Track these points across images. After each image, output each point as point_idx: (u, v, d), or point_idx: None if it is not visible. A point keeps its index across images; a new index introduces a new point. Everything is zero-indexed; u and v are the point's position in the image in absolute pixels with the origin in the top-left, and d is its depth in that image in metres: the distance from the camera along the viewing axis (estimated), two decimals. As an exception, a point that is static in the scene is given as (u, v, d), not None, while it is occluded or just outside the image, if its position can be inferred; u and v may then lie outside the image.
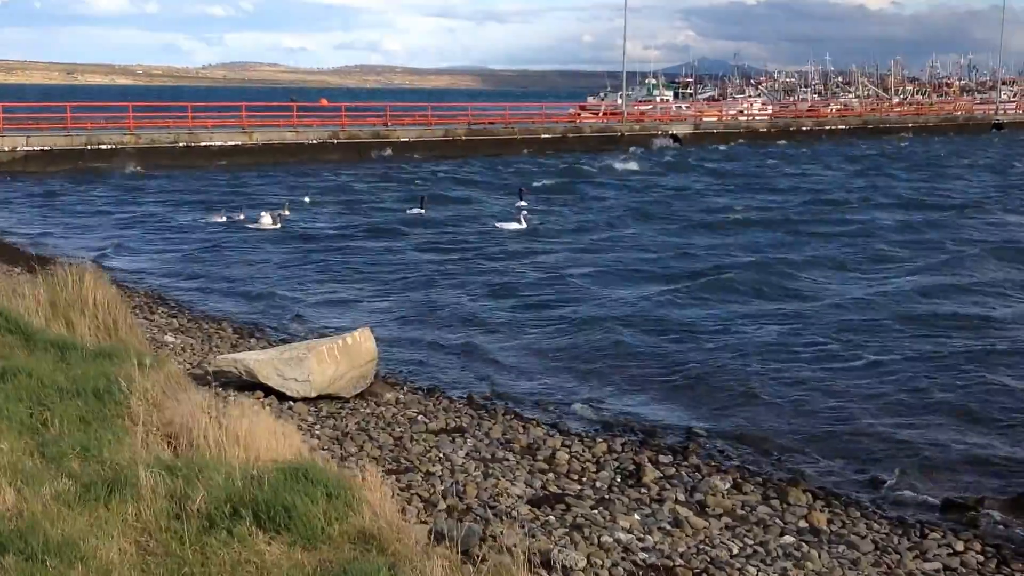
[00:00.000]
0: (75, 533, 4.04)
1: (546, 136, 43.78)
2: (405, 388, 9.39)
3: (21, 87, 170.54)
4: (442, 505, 6.29)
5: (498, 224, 20.02)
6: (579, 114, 53.67)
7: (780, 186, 30.93)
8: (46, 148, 31.31)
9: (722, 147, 47.29)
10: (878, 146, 50.59)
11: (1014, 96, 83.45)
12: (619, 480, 7.05)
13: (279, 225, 20.07)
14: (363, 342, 8.93)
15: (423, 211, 22.19)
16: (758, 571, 5.64)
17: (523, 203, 22.96)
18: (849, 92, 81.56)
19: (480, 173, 34.08)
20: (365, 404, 8.64)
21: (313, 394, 8.52)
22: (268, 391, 8.46)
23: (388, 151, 38.25)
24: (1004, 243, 18.90)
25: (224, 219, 21.15)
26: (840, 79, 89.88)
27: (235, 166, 33.40)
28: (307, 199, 24.55)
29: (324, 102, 66.56)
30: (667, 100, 64.68)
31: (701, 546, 5.95)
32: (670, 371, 10.18)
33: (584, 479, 7.03)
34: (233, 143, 34.86)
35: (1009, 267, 16.58)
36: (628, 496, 6.70)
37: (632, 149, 43.25)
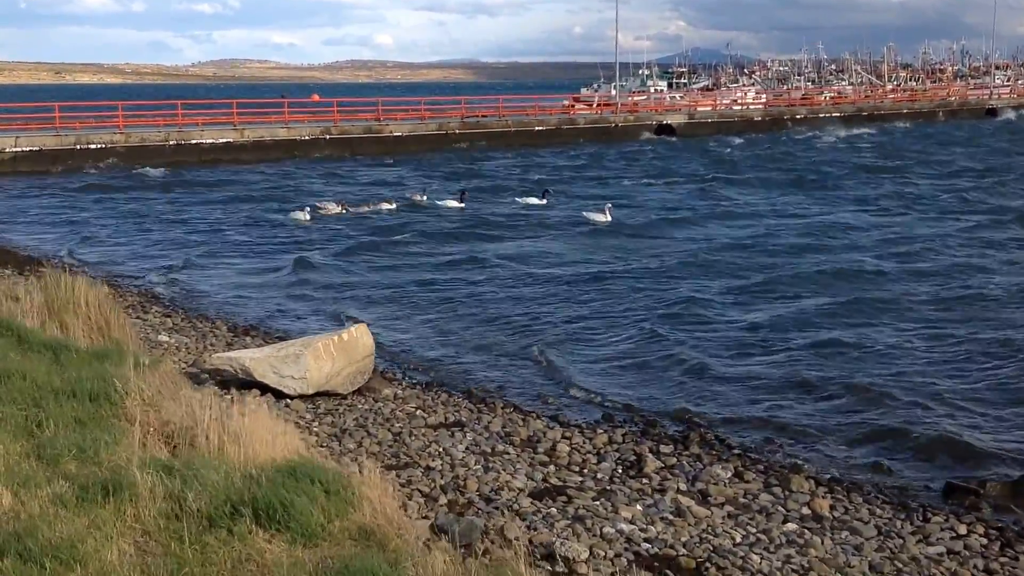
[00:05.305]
0: (73, 535, 4.00)
1: (540, 128, 43.67)
2: (403, 383, 9.34)
3: (9, 88, 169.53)
4: (443, 500, 6.26)
5: (585, 214, 20.92)
6: (573, 106, 53.50)
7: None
8: (36, 148, 31.12)
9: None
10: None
11: (1007, 80, 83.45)
12: (620, 471, 7.02)
13: (309, 219, 20.77)
14: (360, 337, 8.88)
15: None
16: (761, 559, 5.62)
17: (542, 200, 23.56)
18: (843, 79, 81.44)
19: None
20: (363, 400, 8.60)
21: (310, 391, 8.47)
22: (265, 389, 8.41)
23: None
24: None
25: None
26: (833, 67, 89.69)
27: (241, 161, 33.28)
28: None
29: (316, 97, 66.26)
30: (661, 90, 64.51)
31: (704, 535, 5.93)
32: (671, 361, 10.15)
33: (585, 471, 7.00)
34: (224, 140, 34.69)
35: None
36: (630, 487, 6.68)
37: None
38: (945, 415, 8.42)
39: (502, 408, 8.55)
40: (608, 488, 6.62)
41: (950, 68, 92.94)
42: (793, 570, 5.52)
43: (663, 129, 47.39)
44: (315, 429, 7.68)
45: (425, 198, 23.76)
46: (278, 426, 5.60)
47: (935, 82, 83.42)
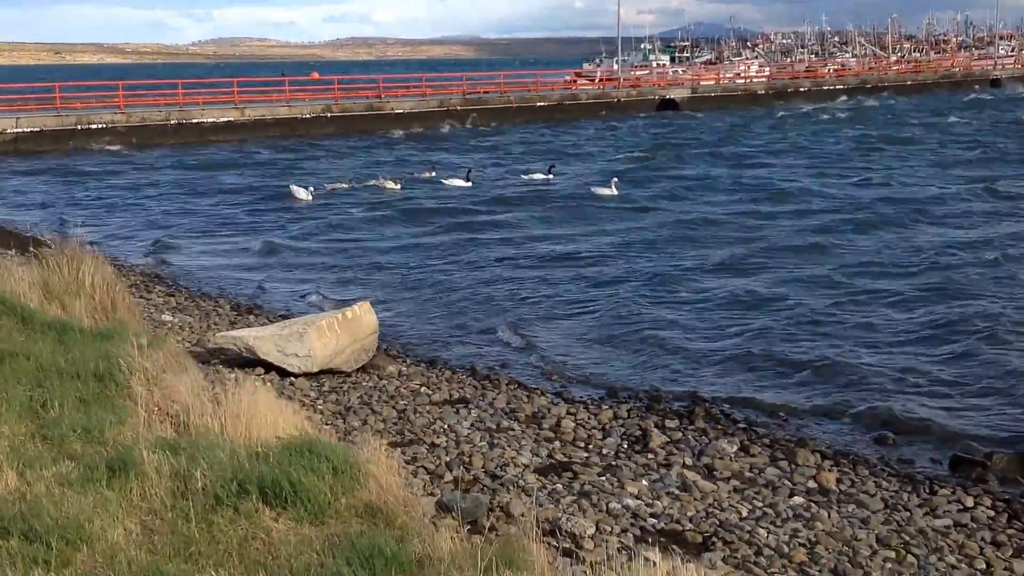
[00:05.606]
0: (79, 515, 3.99)
1: (542, 104, 43.36)
2: (408, 360, 9.33)
3: (9, 68, 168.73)
4: (448, 477, 6.25)
5: (592, 189, 21.25)
6: (575, 81, 53.10)
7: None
8: (36, 129, 30.98)
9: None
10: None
11: (1012, 51, 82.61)
12: (626, 446, 7.01)
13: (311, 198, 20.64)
14: (363, 315, 8.86)
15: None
16: (768, 533, 5.62)
17: (549, 175, 23.67)
18: (846, 52, 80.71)
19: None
20: (367, 378, 8.59)
21: (314, 369, 8.46)
22: (269, 367, 8.41)
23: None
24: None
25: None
26: (837, 39, 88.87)
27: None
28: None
29: (315, 75, 65.73)
30: (664, 65, 64.02)
31: (710, 510, 5.92)
32: (673, 337, 10.12)
33: (591, 446, 6.99)
34: (225, 119, 34.51)
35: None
36: (635, 462, 6.67)
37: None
38: (950, 388, 8.39)
39: (506, 385, 8.54)
40: (614, 463, 6.62)
41: (954, 39, 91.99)
42: (800, 544, 5.51)
43: (666, 104, 47.03)
44: (320, 407, 7.68)
45: (434, 174, 23.79)
46: (282, 404, 5.58)
47: (939, 53, 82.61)
